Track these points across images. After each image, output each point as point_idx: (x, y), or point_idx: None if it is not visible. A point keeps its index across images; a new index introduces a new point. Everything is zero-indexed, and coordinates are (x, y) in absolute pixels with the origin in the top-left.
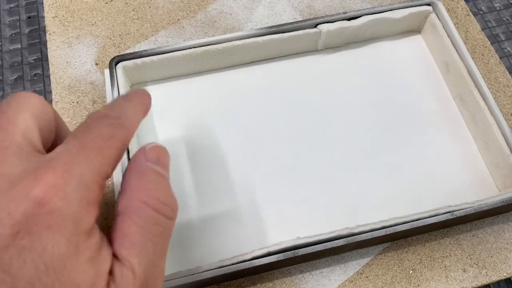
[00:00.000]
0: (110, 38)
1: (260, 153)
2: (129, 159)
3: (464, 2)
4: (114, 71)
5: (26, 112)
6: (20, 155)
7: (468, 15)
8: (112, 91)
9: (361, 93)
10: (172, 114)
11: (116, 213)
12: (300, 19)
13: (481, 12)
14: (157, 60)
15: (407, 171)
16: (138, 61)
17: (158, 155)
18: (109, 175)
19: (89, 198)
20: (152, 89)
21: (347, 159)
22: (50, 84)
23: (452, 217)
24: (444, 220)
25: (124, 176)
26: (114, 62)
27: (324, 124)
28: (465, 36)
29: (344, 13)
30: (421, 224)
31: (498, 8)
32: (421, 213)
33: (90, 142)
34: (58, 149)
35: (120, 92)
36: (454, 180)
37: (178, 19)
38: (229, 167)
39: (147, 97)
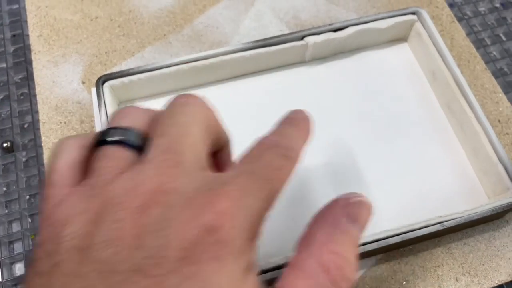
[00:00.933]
0: (96, 56)
1: None
2: None
3: (449, 9)
4: (101, 90)
5: (200, 124)
6: (191, 171)
7: (453, 21)
8: (99, 111)
9: (350, 103)
10: None
11: (290, 259)
12: (287, 31)
13: (466, 17)
14: (144, 78)
15: (396, 181)
16: (125, 79)
17: (361, 213)
18: (271, 209)
19: (254, 231)
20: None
21: (336, 171)
22: (37, 104)
23: (443, 227)
24: (435, 231)
25: (314, 219)
26: (101, 81)
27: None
28: (451, 43)
29: (330, 24)
30: (412, 236)
31: (483, 12)
32: (412, 224)
33: (260, 172)
34: (229, 174)
35: (108, 112)
36: (444, 189)
37: (165, 34)
38: None
39: (311, 123)
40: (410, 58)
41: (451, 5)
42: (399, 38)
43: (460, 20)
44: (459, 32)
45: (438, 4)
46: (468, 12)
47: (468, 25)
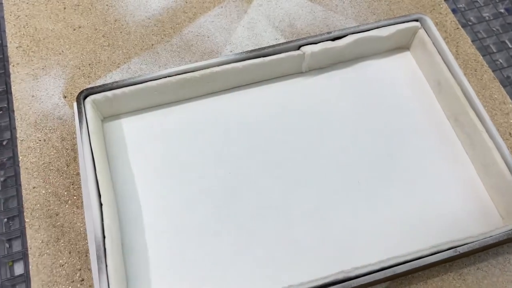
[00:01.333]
0: (79, 68)
1: (243, 189)
2: (98, 191)
3: (453, 15)
4: (83, 106)
5: None
6: None
7: (457, 28)
8: (80, 128)
9: (350, 116)
10: (148, 148)
11: None
12: (282, 40)
13: (470, 23)
14: (130, 92)
15: (401, 201)
16: (109, 93)
17: None
18: None
19: None
20: (125, 122)
21: (338, 192)
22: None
23: (456, 253)
24: (447, 257)
25: None
26: (83, 96)
27: (312, 154)
28: (456, 51)
29: (328, 33)
30: (422, 264)
31: (487, 18)
32: (421, 250)
33: None
34: None
35: (90, 129)
36: (454, 209)
37: (152, 44)
38: (210, 204)
39: None
40: (413, 67)
41: (454, 11)
42: (401, 46)
43: (464, 26)
44: (465, 39)
45: (442, 10)
46: (471, 18)
47: (472, 31)
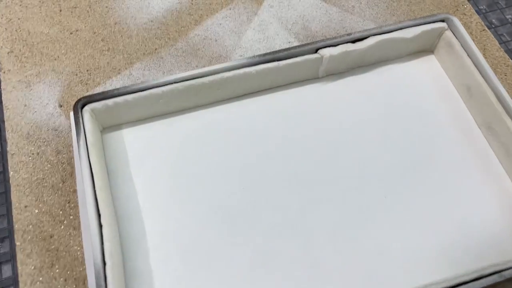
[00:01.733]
0: (76, 74)
1: (258, 205)
2: (97, 210)
3: (478, 16)
4: (80, 115)
5: None
6: None
7: (484, 30)
8: (78, 140)
9: (372, 125)
10: (153, 161)
11: None
12: (296, 43)
13: (493, 26)
14: (132, 100)
15: (434, 219)
16: (109, 102)
17: None
18: None
19: None
20: (127, 133)
21: (362, 209)
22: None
23: (501, 279)
24: (491, 284)
25: None
26: (80, 105)
27: (332, 166)
28: (484, 54)
29: (347, 34)
30: None
31: (510, 20)
32: (462, 276)
33: None
34: None
35: (89, 141)
36: (491, 227)
37: (156, 49)
38: (221, 224)
39: None
40: (439, 71)
41: (476, 12)
42: (425, 49)
43: (487, 29)
44: (492, 41)
45: (466, 11)
46: (494, 20)
47: (496, 34)
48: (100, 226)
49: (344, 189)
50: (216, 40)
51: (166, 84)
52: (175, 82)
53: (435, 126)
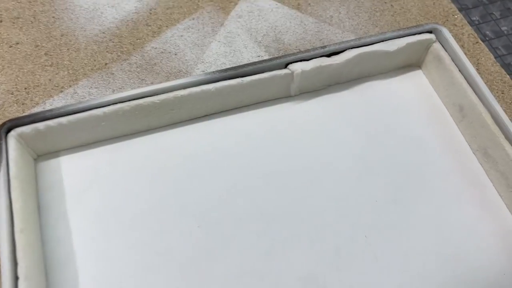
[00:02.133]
0: (12, 93)
1: (217, 248)
2: (14, 259)
3: (470, 27)
4: (4, 142)
5: None
6: None
7: (477, 42)
8: None
9: (351, 151)
10: (93, 195)
11: None
12: (266, 57)
13: (487, 38)
14: (68, 123)
15: (425, 262)
16: (40, 125)
17: None
18: None
19: None
20: (66, 161)
21: (340, 250)
22: None
23: None
24: None
25: None
26: (4, 129)
27: (305, 200)
28: (477, 69)
29: (322, 47)
30: None
31: (506, 32)
32: None
33: None
34: None
35: (12, 172)
36: (492, 268)
37: (106, 63)
38: (172, 273)
39: None
40: (427, 89)
41: (469, 24)
42: (411, 63)
43: (481, 41)
44: (486, 55)
45: (457, 22)
46: (488, 32)
47: (491, 47)
48: (16, 278)
49: (318, 228)
50: (175, 54)
51: (109, 104)
52: (121, 102)
53: (424, 153)
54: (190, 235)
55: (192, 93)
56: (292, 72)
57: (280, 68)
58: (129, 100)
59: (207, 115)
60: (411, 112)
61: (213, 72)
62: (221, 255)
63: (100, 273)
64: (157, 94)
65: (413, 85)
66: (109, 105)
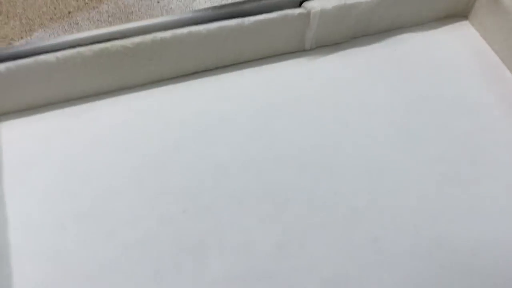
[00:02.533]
0: None
1: (207, 241)
2: None
3: None
4: None
5: None
6: None
7: None
8: None
9: (384, 121)
10: (41, 175)
11: None
12: None
13: None
14: (7, 72)
15: (482, 252)
16: None
17: None
18: None
19: None
20: (9, 128)
21: (380, 243)
22: None
23: None
24: None
25: None
26: None
27: (328, 180)
28: None
29: None
30: None
31: None
32: None
33: None
34: None
35: None
36: None
37: (69, 12)
38: (145, 270)
39: None
40: (477, 42)
41: None
42: (456, 13)
43: None
44: None
45: None
46: None
47: None
48: None
49: (348, 215)
50: (158, 1)
51: (65, 48)
52: (79, 46)
53: (479, 119)
54: (171, 223)
55: (176, 36)
56: (309, 12)
57: (293, 7)
58: (92, 43)
59: (196, 72)
60: (459, 71)
61: (205, 9)
62: (213, 250)
63: (48, 273)
64: (129, 36)
65: (459, 39)
66: (64, 48)
